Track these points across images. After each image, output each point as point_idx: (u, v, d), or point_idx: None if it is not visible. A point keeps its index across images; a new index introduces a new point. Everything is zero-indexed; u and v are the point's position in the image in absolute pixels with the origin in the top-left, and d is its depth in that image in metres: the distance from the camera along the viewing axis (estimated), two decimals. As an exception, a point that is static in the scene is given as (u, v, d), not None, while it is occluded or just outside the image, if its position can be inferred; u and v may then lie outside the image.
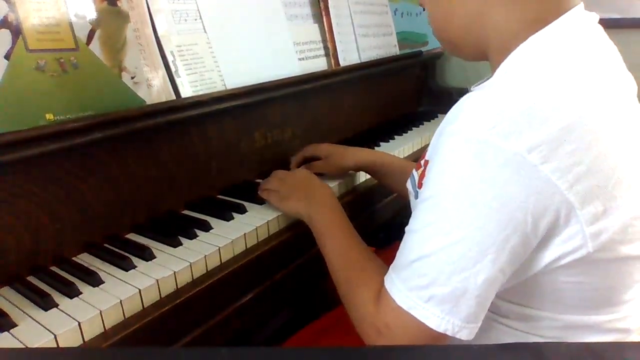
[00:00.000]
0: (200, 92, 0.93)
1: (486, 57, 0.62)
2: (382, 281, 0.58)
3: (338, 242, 0.71)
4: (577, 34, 0.55)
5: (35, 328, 0.58)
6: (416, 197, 0.60)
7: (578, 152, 0.48)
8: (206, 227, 0.81)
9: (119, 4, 0.83)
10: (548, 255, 0.52)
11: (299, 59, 1.19)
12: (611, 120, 0.52)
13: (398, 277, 0.55)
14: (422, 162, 0.61)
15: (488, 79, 0.61)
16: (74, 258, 0.75)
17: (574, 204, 0.49)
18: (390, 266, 0.58)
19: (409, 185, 0.66)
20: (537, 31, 0.55)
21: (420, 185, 0.59)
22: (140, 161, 0.84)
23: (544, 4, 0.56)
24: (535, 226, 0.50)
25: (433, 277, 0.52)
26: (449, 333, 0.52)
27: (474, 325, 0.53)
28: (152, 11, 0.88)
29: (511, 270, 0.52)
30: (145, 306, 0.65)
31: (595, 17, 0.58)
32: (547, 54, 0.53)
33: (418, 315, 0.52)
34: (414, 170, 0.65)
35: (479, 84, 0.61)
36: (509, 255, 0.50)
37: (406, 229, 0.57)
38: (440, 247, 0.51)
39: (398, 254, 0.57)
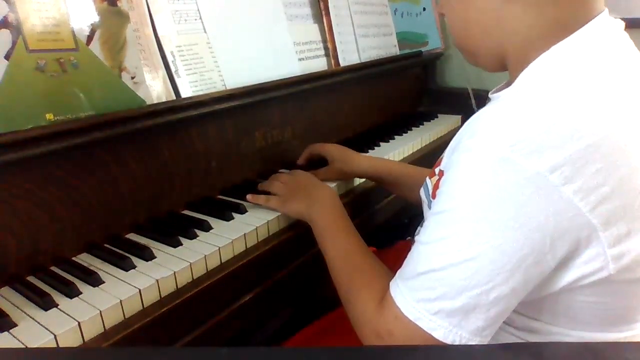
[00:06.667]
0: (200, 92, 0.93)
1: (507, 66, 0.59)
2: (385, 285, 0.57)
3: (339, 243, 0.71)
4: (603, 44, 0.52)
5: (35, 328, 0.58)
6: (429, 206, 0.59)
7: (603, 172, 0.46)
8: (206, 227, 0.81)
9: (119, 4, 0.83)
10: (567, 277, 0.51)
11: (299, 59, 1.19)
12: (638, 137, 0.49)
13: (405, 286, 0.54)
14: (437, 170, 0.60)
15: (506, 85, 0.59)
16: (74, 258, 0.75)
17: (596, 225, 0.47)
18: (397, 273, 0.56)
19: (422, 194, 0.65)
20: (560, 39, 0.52)
21: (434, 196, 0.58)
22: (140, 161, 0.84)
23: (569, 9, 0.52)
24: (553, 247, 0.48)
25: (443, 291, 0.50)
26: (456, 344, 0.51)
27: (480, 339, 0.51)
28: (152, 11, 0.88)
29: (524, 290, 0.51)
30: (145, 306, 0.65)
31: (621, 24, 0.55)
32: (572, 66, 0.51)
33: (424, 326, 0.51)
34: (427, 179, 0.63)
35: (497, 91, 0.60)
36: (523, 275, 0.49)
37: (417, 238, 0.55)
38: (452, 262, 0.50)
39: (406, 262, 0.55)
